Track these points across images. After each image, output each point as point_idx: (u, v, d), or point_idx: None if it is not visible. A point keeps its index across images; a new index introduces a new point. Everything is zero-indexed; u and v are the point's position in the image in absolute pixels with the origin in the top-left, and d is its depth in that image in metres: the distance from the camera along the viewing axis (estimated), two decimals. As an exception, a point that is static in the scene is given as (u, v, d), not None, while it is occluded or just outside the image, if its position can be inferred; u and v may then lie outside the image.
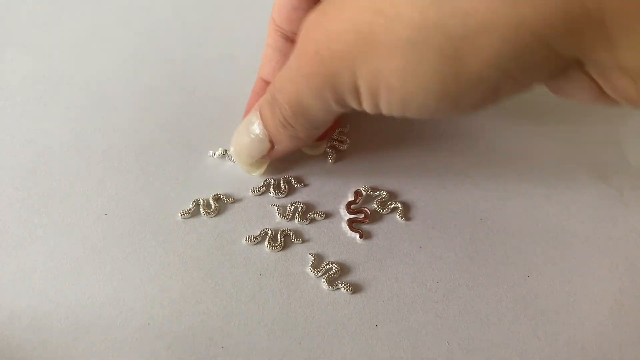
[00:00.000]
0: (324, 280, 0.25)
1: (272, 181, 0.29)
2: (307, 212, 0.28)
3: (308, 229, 0.27)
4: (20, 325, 0.24)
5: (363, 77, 0.20)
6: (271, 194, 0.28)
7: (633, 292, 0.26)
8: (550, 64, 0.18)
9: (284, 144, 0.26)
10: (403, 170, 0.29)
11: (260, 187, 0.28)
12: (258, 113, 0.26)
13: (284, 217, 0.28)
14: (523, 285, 0.26)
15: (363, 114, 0.23)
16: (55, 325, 0.24)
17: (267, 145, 0.26)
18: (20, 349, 0.23)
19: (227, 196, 0.28)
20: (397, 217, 0.28)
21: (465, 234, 0.27)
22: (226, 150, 0.30)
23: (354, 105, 0.22)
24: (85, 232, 0.27)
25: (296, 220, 0.28)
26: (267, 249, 0.27)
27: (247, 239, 0.27)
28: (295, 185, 0.29)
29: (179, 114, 0.31)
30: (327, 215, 0.28)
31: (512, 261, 0.26)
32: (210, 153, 0.30)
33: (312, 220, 0.28)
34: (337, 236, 0.27)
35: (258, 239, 0.27)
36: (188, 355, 0.23)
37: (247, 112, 0.29)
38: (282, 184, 0.29)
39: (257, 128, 0.26)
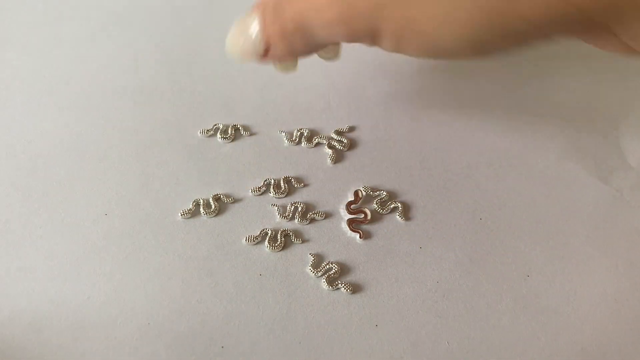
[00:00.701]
0: (324, 280, 0.25)
1: (272, 181, 0.29)
2: (307, 212, 0.28)
3: (308, 229, 0.27)
4: (20, 325, 0.24)
5: (392, 21, 0.20)
6: (271, 194, 0.28)
7: (633, 292, 0.26)
8: (582, 26, 0.20)
9: (278, 52, 0.24)
10: (403, 170, 0.29)
11: (260, 187, 0.28)
12: (259, 14, 0.24)
13: (284, 217, 0.28)
14: (523, 285, 0.26)
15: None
16: (55, 325, 0.24)
17: (262, 48, 0.24)
18: (20, 349, 0.23)
19: (227, 196, 0.28)
20: (397, 217, 0.28)
21: (465, 234, 0.27)
22: (217, 126, 0.30)
23: (365, 42, 0.22)
24: (85, 232, 0.27)
25: (296, 220, 0.28)
26: (267, 249, 0.27)
27: (247, 239, 0.27)
28: (295, 185, 0.29)
29: (179, 113, 0.31)
30: (327, 215, 0.28)
31: (512, 261, 0.26)
32: (199, 132, 0.30)
33: (312, 220, 0.28)
34: (337, 236, 0.27)
35: (258, 239, 0.27)
36: (188, 355, 0.23)
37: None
38: (282, 184, 0.29)
39: (254, 29, 0.24)
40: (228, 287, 0.25)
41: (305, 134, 0.30)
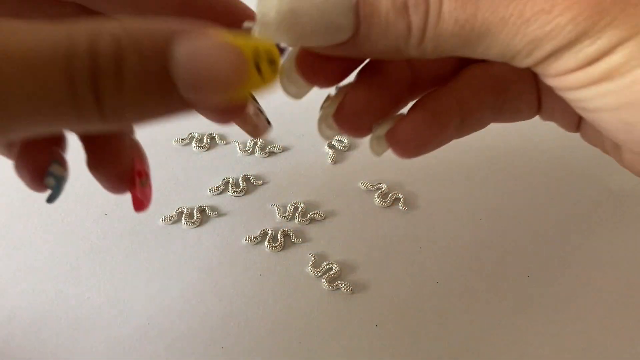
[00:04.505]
0: (324, 280, 0.25)
1: (231, 179, 0.29)
2: (307, 212, 0.28)
3: (308, 229, 0.27)
4: (20, 325, 0.24)
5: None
6: (230, 193, 0.28)
7: (633, 292, 0.26)
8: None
9: (377, 41, 0.15)
10: (403, 171, 0.29)
11: (218, 187, 0.28)
12: None
13: (284, 217, 0.28)
14: (523, 285, 0.26)
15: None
16: (55, 325, 0.24)
17: (351, 26, 0.15)
18: (20, 349, 0.23)
19: (213, 209, 0.28)
20: (400, 207, 0.28)
21: (465, 234, 0.27)
22: (192, 135, 0.30)
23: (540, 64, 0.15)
24: (85, 232, 0.27)
25: (296, 220, 0.28)
26: (267, 249, 0.27)
27: (247, 239, 0.27)
28: (254, 183, 0.29)
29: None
30: (327, 215, 0.28)
31: (512, 261, 0.26)
32: (174, 142, 0.30)
33: (312, 220, 0.28)
34: (337, 236, 0.27)
35: (258, 239, 0.27)
36: (188, 355, 0.23)
37: None
38: (240, 182, 0.28)
39: None
40: (228, 287, 0.25)
41: (259, 143, 0.30)
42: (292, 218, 0.28)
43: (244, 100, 0.15)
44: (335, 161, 0.30)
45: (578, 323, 0.25)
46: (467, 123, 0.20)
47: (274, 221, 0.28)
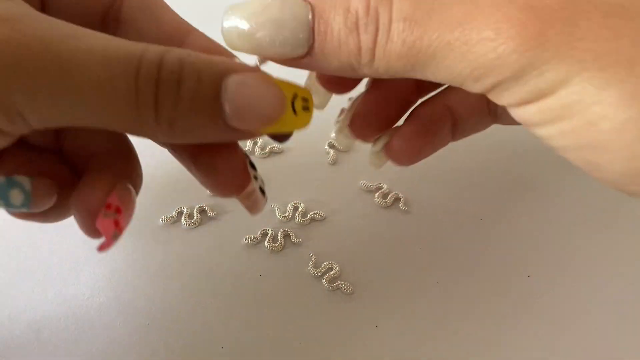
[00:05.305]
0: (324, 280, 0.25)
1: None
2: (307, 212, 0.28)
3: (308, 229, 0.27)
4: (20, 325, 0.24)
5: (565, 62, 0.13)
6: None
7: (633, 292, 0.26)
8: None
9: (332, 58, 0.16)
10: (403, 171, 0.29)
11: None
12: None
13: (284, 217, 0.28)
14: (523, 285, 0.26)
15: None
16: (55, 325, 0.24)
17: (306, 42, 0.15)
18: (20, 349, 0.23)
19: (213, 209, 0.28)
20: (401, 207, 0.28)
21: (465, 234, 0.27)
22: None
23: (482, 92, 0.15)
24: (85, 232, 0.27)
25: (296, 220, 0.28)
26: (267, 249, 0.27)
27: (247, 239, 0.27)
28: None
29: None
30: (327, 215, 0.28)
31: (512, 261, 0.26)
32: None
33: (312, 220, 0.28)
34: (338, 236, 0.27)
35: (258, 239, 0.27)
36: (188, 355, 0.23)
37: None
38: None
39: (299, 9, 0.15)
40: (228, 287, 0.25)
41: (259, 142, 0.30)
42: (292, 218, 0.28)
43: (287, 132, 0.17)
44: (335, 161, 0.30)
45: (578, 323, 0.25)
46: (461, 127, 0.21)
47: (274, 221, 0.28)
